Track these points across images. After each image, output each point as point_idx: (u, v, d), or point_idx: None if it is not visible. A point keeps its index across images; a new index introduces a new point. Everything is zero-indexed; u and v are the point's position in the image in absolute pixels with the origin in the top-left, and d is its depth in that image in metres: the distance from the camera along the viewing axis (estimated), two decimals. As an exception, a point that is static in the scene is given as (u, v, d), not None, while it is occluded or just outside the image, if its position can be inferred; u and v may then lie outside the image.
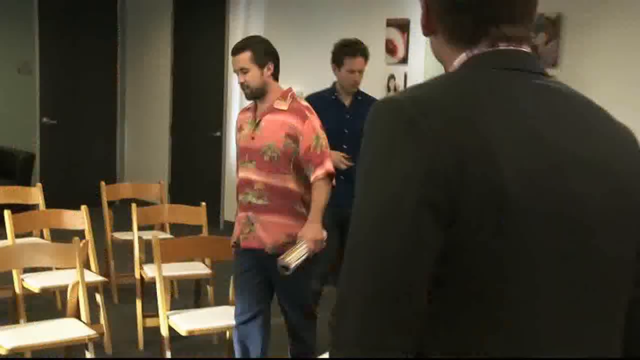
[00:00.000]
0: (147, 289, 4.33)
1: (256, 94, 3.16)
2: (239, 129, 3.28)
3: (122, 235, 4.86)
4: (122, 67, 8.60)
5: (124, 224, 5.07)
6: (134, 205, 4.29)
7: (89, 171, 8.09)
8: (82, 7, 8.18)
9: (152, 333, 4.12)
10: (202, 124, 7.57)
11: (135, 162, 8.59)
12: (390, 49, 5.76)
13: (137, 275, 4.16)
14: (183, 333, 3.30)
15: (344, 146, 3.87)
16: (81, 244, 3.30)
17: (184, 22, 7.76)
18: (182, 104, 7.88)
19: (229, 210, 4.63)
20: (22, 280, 3.63)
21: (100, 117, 8.51)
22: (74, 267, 3.32)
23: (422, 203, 0.89)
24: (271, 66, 3.15)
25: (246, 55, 3.12)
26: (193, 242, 3.75)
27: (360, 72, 4.00)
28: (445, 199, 0.89)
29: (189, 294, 4.55)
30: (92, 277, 3.93)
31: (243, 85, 3.17)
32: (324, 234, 3.06)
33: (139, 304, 4.12)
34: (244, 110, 3.35)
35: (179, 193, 7.45)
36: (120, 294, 4.83)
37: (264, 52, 3.15)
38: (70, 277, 3.77)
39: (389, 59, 5.82)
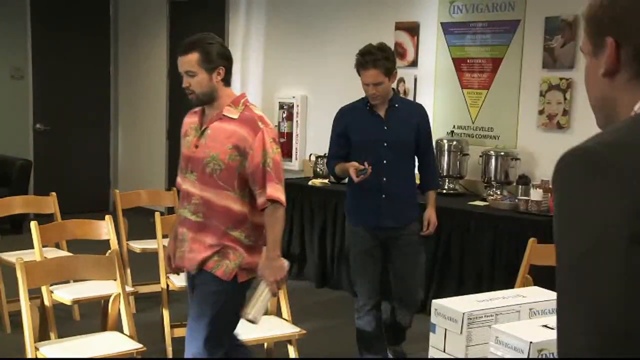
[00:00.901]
0: (174, 293, 4.27)
1: (202, 100, 2.84)
2: (184, 134, 2.95)
3: (137, 244, 4.79)
4: (116, 72, 8.47)
5: (138, 231, 4.98)
6: (157, 215, 4.22)
7: (83, 178, 7.97)
8: (75, 12, 8.05)
9: (180, 343, 4.06)
10: (200, 129, 7.48)
11: (130, 168, 8.46)
12: (400, 52, 5.75)
13: (163, 285, 4.09)
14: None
15: (384, 161, 3.62)
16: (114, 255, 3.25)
17: (180, 26, 7.66)
18: (179, 109, 7.78)
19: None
20: (52, 292, 3.56)
21: (94, 122, 8.38)
22: (110, 279, 3.25)
23: (634, 240, 0.87)
24: (222, 71, 2.82)
25: (194, 57, 2.77)
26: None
27: (376, 85, 3.54)
28: None
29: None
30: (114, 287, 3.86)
31: (187, 90, 2.82)
32: (286, 266, 2.78)
33: (166, 313, 4.06)
34: (192, 113, 2.97)
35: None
36: (140, 303, 4.76)
37: (216, 55, 2.80)
38: (97, 288, 3.72)
39: (398, 62, 5.78)
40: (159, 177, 7.86)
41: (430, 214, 3.81)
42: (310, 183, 5.76)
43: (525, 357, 1.53)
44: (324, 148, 6.23)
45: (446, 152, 5.21)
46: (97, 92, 8.39)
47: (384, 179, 3.61)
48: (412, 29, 5.71)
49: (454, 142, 5.23)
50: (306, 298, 5.29)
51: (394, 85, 5.79)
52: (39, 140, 7.88)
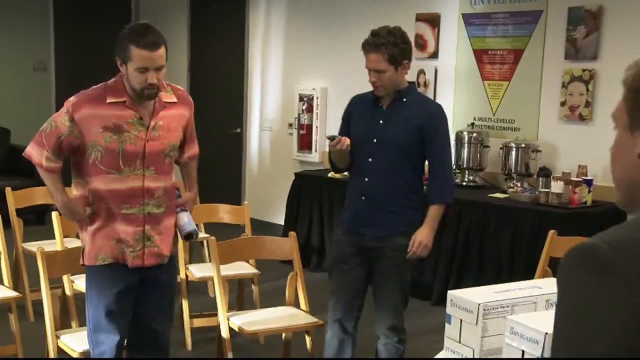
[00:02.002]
0: (193, 284, 4.30)
1: (157, 94, 2.73)
2: (111, 128, 2.66)
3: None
4: (137, 64, 8.52)
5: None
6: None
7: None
8: (97, 5, 8.10)
9: (199, 333, 4.10)
10: (221, 121, 7.51)
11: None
12: (420, 44, 5.72)
13: (183, 276, 4.11)
14: (246, 334, 3.26)
15: (369, 159, 3.12)
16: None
17: (201, 17, 7.68)
18: (201, 101, 7.80)
19: (251, 206, 4.59)
20: (73, 282, 3.61)
21: (116, 114, 8.44)
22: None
23: (633, 352, 0.83)
24: None
25: (163, 50, 2.67)
26: (244, 243, 3.71)
27: (378, 72, 3.05)
28: None
29: (231, 294, 4.51)
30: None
31: (152, 86, 2.66)
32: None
33: (185, 304, 4.09)
34: (100, 102, 2.69)
35: (200, 191, 7.39)
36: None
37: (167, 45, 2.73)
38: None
39: (418, 54, 5.77)
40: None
41: (419, 233, 3.08)
42: (329, 175, 5.75)
43: (541, 347, 1.52)
44: (343, 140, 6.23)
45: (466, 144, 5.18)
46: (119, 84, 8.45)
47: (366, 179, 3.13)
48: (433, 20, 5.67)
49: (474, 134, 5.19)
50: (324, 290, 5.27)
51: (413, 77, 5.79)
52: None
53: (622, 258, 0.84)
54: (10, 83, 7.73)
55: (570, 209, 4.45)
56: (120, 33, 2.72)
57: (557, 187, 4.51)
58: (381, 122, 3.12)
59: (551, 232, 3.46)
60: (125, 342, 2.84)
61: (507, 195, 4.80)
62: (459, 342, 1.86)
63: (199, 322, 4.08)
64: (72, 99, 2.74)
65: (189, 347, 4.06)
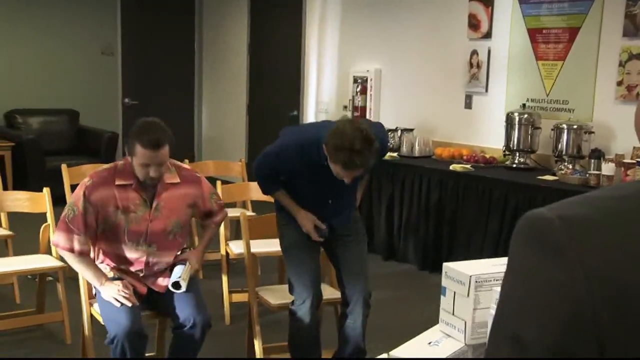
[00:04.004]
0: (232, 265, 4.39)
1: (159, 182, 2.95)
2: (120, 209, 2.89)
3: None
4: (200, 49, 8.70)
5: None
6: (218, 183, 4.33)
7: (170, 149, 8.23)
8: (162, -11, 8.31)
9: (237, 308, 4.18)
10: (278, 104, 7.59)
11: (213, 141, 8.69)
12: (474, 23, 5.61)
13: (223, 252, 4.20)
14: (271, 307, 3.30)
15: (330, 201, 3.15)
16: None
17: (261, 3, 7.76)
18: (259, 84, 7.92)
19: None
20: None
21: (179, 97, 8.65)
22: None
23: (558, 351, 0.75)
24: None
25: (166, 150, 2.86)
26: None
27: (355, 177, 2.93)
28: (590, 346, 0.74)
29: (272, 271, 4.57)
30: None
31: (153, 179, 2.87)
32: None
33: (225, 279, 4.17)
34: (110, 184, 2.89)
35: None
36: (205, 270, 4.90)
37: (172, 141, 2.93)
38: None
39: (471, 34, 5.67)
40: (239, 150, 8.03)
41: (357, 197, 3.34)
42: (379, 156, 5.73)
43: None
44: (396, 122, 6.19)
45: (517, 126, 5.05)
46: (182, 68, 8.65)
47: (330, 201, 3.15)
48: (487, 0, 5.54)
49: (525, 116, 5.06)
50: (373, 270, 5.27)
51: (465, 58, 5.68)
52: (127, 113, 8.21)
53: (570, 238, 0.76)
54: (79, 67, 8.02)
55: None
56: (131, 129, 2.93)
57: (608, 169, 4.35)
58: (337, 183, 2.94)
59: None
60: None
61: (556, 178, 4.67)
62: (453, 314, 1.84)
63: (237, 298, 4.16)
64: (86, 181, 2.93)
65: (228, 321, 4.15)
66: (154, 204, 2.95)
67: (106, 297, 2.88)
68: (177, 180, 3.02)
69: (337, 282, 3.28)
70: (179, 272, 2.97)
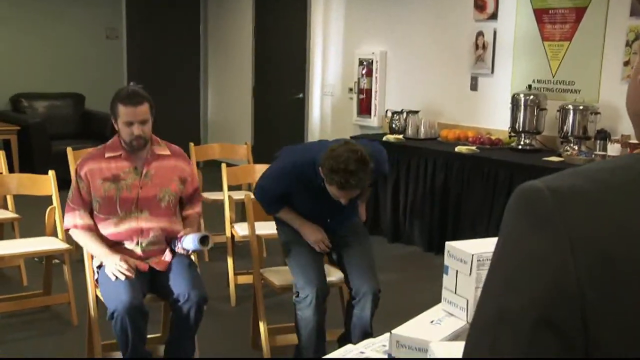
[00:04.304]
0: (238, 247, 4.40)
1: (146, 145, 3.06)
2: (110, 178, 3.01)
3: (210, 195, 4.93)
4: (205, 32, 8.67)
5: (210, 183, 5.14)
6: (223, 165, 4.33)
7: (175, 133, 8.22)
8: (166, -28, 8.28)
9: (242, 290, 4.20)
10: (284, 86, 7.57)
11: (219, 124, 8.69)
12: (479, 4, 5.57)
13: (228, 234, 4.21)
14: (276, 290, 3.31)
15: (328, 220, 3.21)
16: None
17: (266, -16, 7.73)
18: (264, 66, 7.90)
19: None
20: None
21: (184, 80, 8.64)
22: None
23: (542, 323, 0.74)
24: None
25: (146, 107, 3.02)
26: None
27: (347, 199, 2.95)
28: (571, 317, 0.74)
29: (277, 253, 4.58)
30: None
31: (139, 138, 2.99)
32: None
33: (230, 261, 4.19)
34: (99, 157, 3.04)
35: (262, 154, 7.49)
36: (210, 252, 4.92)
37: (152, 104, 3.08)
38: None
39: (477, 15, 5.64)
40: (245, 132, 8.03)
41: (361, 212, 3.42)
42: (384, 139, 5.72)
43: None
44: (402, 104, 6.17)
45: (522, 107, 5.03)
46: (188, 51, 8.63)
47: (328, 220, 3.21)
48: (493, -20, 5.50)
49: (531, 97, 5.04)
50: (379, 252, 5.27)
51: (471, 39, 5.65)
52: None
53: (558, 208, 0.75)
54: (84, 50, 8.01)
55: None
56: (113, 98, 3.11)
57: (613, 149, 4.33)
58: (335, 203, 2.98)
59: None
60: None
61: (562, 159, 4.65)
62: (455, 293, 1.84)
63: (243, 279, 4.18)
64: (79, 161, 3.12)
65: (233, 303, 4.17)
66: (144, 171, 3.06)
67: (108, 271, 2.94)
68: (167, 152, 3.15)
69: (345, 281, 3.23)
70: (196, 236, 2.99)
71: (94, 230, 3.05)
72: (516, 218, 0.79)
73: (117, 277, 2.90)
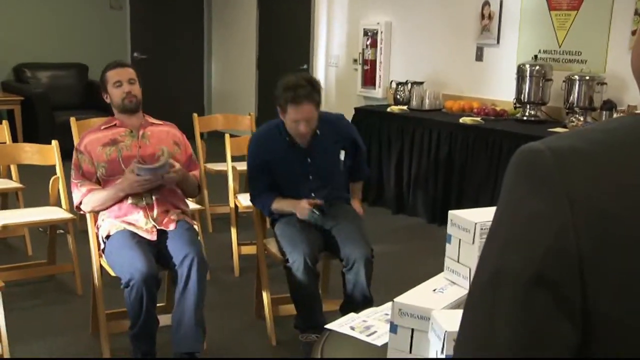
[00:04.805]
0: (241, 218, 4.41)
1: (138, 107, 3.17)
2: (109, 143, 3.10)
3: (214, 166, 4.93)
4: (209, 1, 8.60)
5: (214, 154, 5.13)
6: (227, 136, 4.31)
7: (179, 104, 8.22)
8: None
9: (247, 260, 4.21)
10: (288, 57, 7.52)
11: (223, 95, 8.66)
12: (485, -27, 5.49)
13: (232, 204, 4.21)
14: (278, 261, 3.30)
15: (312, 194, 3.25)
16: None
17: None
18: (268, 37, 7.84)
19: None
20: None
21: (188, 51, 8.59)
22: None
23: (537, 281, 0.74)
24: None
25: (132, 71, 3.20)
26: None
27: (309, 121, 3.13)
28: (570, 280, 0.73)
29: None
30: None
31: (129, 95, 3.12)
32: None
33: (234, 232, 4.19)
34: (96, 130, 3.17)
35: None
36: (214, 224, 4.93)
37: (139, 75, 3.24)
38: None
39: (483, -16, 5.56)
40: (249, 103, 8.00)
41: (355, 206, 3.44)
42: (389, 110, 5.69)
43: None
44: (406, 75, 6.13)
45: (528, 78, 4.99)
46: (192, 22, 8.57)
47: (313, 194, 3.25)
48: (499, -52, 5.42)
49: (537, 67, 4.99)
50: (382, 223, 5.31)
51: (477, 10, 5.58)
52: (137, 68, 8.06)
53: (558, 168, 0.75)
54: (88, 21, 7.96)
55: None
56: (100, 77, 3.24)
57: (619, 121, 4.29)
58: (309, 160, 3.24)
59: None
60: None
61: (567, 130, 4.62)
62: (458, 261, 1.84)
63: (246, 250, 4.19)
64: (77, 141, 3.26)
65: (237, 273, 4.18)
66: (140, 133, 3.18)
67: (131, 189, 3.02)
68: (160, 122, 3.31)
69: (336, 253, 3.19)
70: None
71: (97, 188, 3.10)
72: (516, 179, 0.78)
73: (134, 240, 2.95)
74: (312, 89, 3.10)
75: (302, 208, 3.15)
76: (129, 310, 2.88)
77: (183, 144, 3.30)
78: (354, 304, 3.06)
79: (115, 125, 3.17)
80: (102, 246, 3.08)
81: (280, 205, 3.24)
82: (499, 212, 0.80)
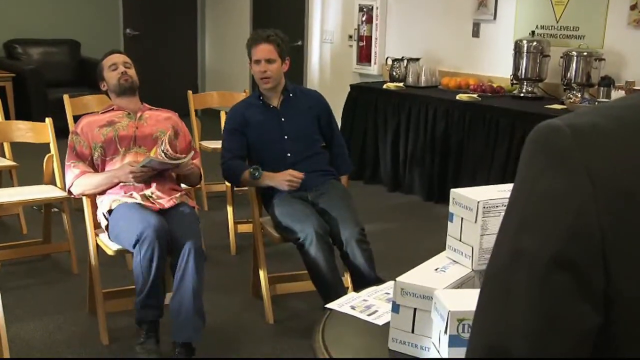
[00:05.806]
0: (237, 196, 4.38)
1: (134, 88, 3.24)
2: (106, 124, 3.15)
3: (209, 144, 4.89)
4: (202, -24, 8.50)
5: (209, 132, 5.10)
6: (222, 113, 4.26)
7: (172, 81, 8.15)
8: None
9: (242, 238, 4.19)
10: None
11: (217, 72, 8.59)
12: (483, -53, 5.43)
13: (228, 183, 4.17)
14: (275, 239, 3.28)
15: (289, 154, 3.31)
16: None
17: None
18: (262, 13, 7.76)
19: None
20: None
21: (182, 27, 8.50)
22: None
23: (558, 262, 0.72)
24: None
25: (126, 56, 3.32)
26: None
27: (268, 61, 3.29)
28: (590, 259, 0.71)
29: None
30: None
31: (125, 74, 3.21)
32: None
33: (230, 210, 4.17)
34: (94, 114, 3.26)
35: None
36: (210, 202, 4.91)
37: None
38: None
39: (480, -42, 5.50)
40: (243, 80, 7.94)
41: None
42: (384, 87, 5.65)
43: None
44: (402, 51, 6.08)
45: (525, 54, 4.95)
46: (184, -3, 8.47)
47: (289, 154, 3.33)
48: None
49: (534, 43, 4.95)
50: (378, 201, 5.29)
51: None
52: (129, 44, 8.08)
53: (578, 145, 0.73)
54: (79, -4, 7.86)
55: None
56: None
57: (617, 96, 4.27)
58: (283, 119, 3.37)
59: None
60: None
61: (564, 107, 4.60)
62: (460, 240, 1.82)
63: (243, 228, 4.17)
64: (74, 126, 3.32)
65: (233, 251, 4.17)
66: (138, 115, 3.24)
67: (125, 178, 3.05)
68: (156, 108, 3.35)
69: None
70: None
71: (91, 172, 3.13)
72: (534, 156, 0.76)
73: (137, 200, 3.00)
74: (274, 35, 3.31)
75: (281, 178, 3.20)
76: (137, 274, 2.82)
77: (183, 131, 3.32)
78: (365, 278, 2.99)
79: (113, 109, 3.24)
80: (104, 223, 3.04)
81: (257, 180, 3.26)
82: (515, 191, 0.78)
